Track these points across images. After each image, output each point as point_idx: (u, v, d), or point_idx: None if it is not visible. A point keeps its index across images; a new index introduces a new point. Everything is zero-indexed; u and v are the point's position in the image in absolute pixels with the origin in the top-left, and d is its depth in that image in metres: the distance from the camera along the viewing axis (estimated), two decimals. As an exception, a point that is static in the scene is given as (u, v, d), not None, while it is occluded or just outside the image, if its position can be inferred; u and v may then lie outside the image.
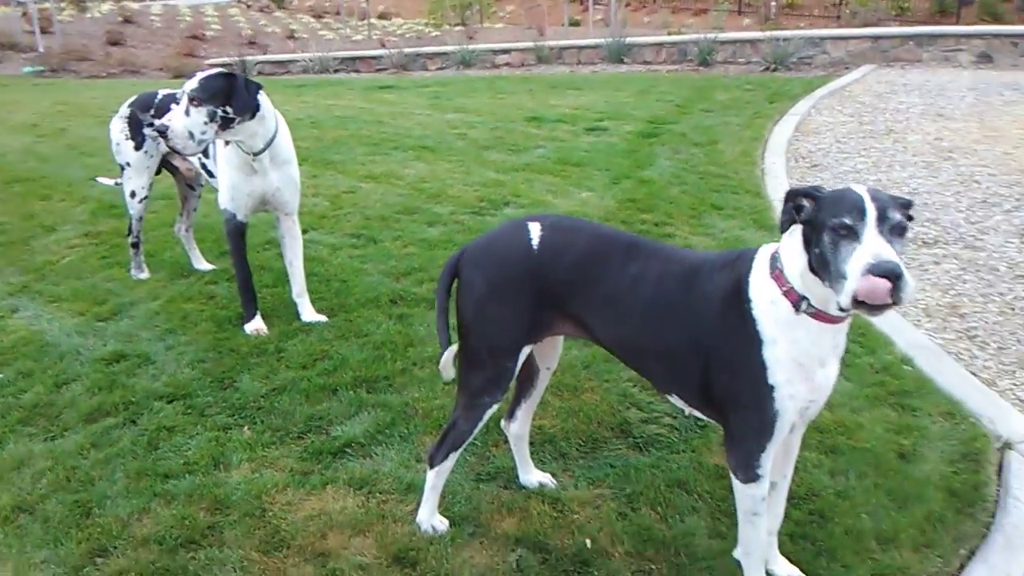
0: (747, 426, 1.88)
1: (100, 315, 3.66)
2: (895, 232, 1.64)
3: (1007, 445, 2.74)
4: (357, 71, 12.98)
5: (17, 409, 2.96)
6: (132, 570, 2.18)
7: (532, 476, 2.52)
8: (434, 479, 2.28)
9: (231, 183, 3.22)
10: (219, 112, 3.02)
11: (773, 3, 17.86)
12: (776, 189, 5.50)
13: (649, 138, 6.89)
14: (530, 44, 12.96)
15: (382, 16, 21.81)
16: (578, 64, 12.53)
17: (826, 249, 1.67)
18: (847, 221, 1.64)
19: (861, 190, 1.68)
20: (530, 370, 2.35)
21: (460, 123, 7.56)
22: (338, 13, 21.91)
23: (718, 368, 1.89)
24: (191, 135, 2.99)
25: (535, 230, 2.09)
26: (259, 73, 12.98)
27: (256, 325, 3.34)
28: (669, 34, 13.84)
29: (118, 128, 3.86)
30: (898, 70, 10.72)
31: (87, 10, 18.29)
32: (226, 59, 13.89)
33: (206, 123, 3.01)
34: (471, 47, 12.88)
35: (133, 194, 3.86)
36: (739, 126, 7.40)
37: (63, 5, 16.69)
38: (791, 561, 2.18)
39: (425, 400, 2.91)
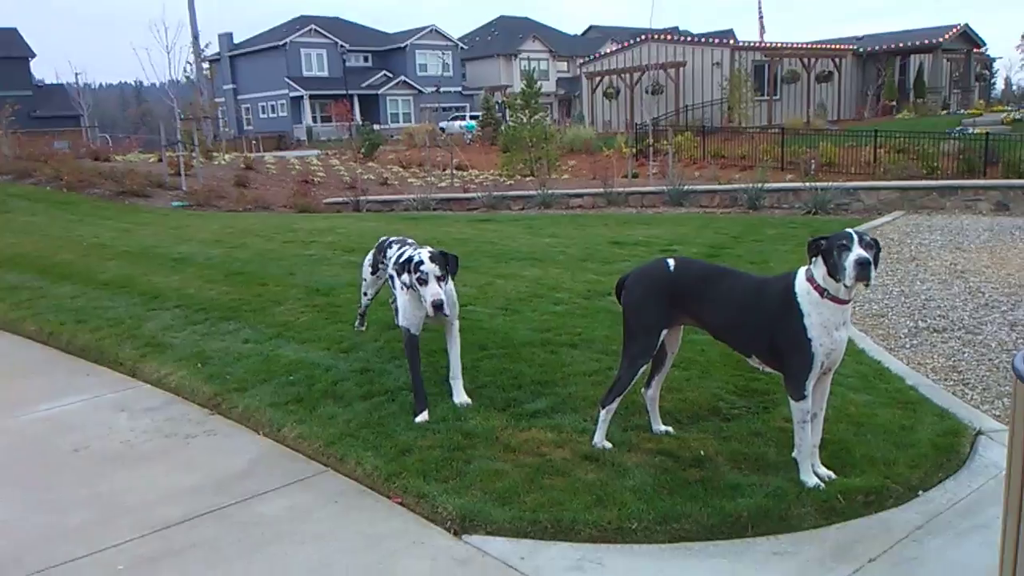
0: (796, 365, 3.38)
1: (342, 349, 5.30)
2: (869, 248, 3.21)
3: (979, 432, 4.13)
4: (451, 210, 15.13)
5: (314, 392, 4.56)
6: (428, 459, 3.68)
7: (659, 426, 3.99)
8: (604, 415, 3.78)
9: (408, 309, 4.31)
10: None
11: (812, 161, 19.90)
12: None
13: (711, 258, 8.52)
14: (600, 189, 15.04)
15: (459, 168, 24.52)
16: (642, 207, 14.48)
17: (835, 258, 3.24)
18: (845, 242, 3.22)
19: (850, 231, 3.27)
20: (662, 354, 3.89)
21: (556, 244, 9.34)
22: (420, 165, 24.78)
23: (779, 335, 3.41)
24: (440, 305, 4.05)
25: (671, 262, 3.71)
26: (368, 210, 15.21)
27: (423, 417, 4.14)
28: (720, 183, 15.84)
29: (368, 263, 5.37)
30: (924, 215, 12.37)
31: (214, 159, 21.28)
32: (340, 199, 16.25)
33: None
34: (550, 191, 15.00)
35: (366, 294, 5.47)
36: (785, 251, 9.01)
37: (195, 154, 19.55)
38: (827, 467, 3.59)
39: (581, 394, 4.43)
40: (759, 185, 13.83)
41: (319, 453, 3.94)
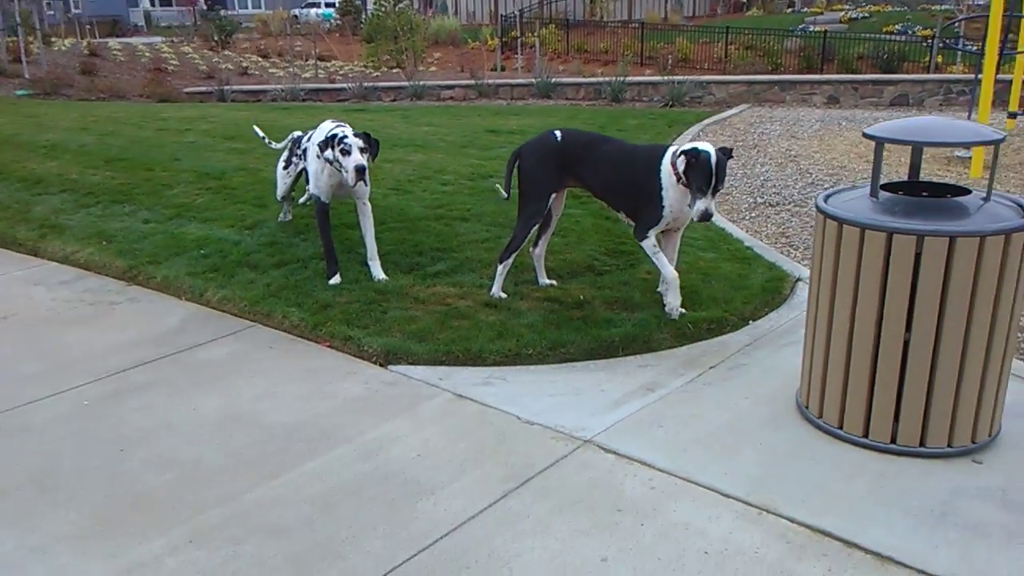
0: (646, 219, 4.03)
1: (246, 226, 5.63)
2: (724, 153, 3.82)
3: (799, 279, 5.07)
4: (320, 100, 15.01)
5: (228, 262, 4.92)
6: (348, 311, 4.20)
7: (544, 280, 4.67)
8: (501, 270, 4.40)
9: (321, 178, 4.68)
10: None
11: (670, 56, 20.85)
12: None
13: (581, 144, 9.23)
14: (471, 81, 15.33)
15: (322, 58, 23.85)
16: (512, 99, 14.94)
17: (693, 181, 3.77)
18: (704, 179, 3.74)
19: (711, 162, 3.74)
20: (548, 216, 4.52)
21: (435, 133, 9.74)
22: (280, 54, 23.89)
23: (639, 196, 4.08)
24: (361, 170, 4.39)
25: (558, 133, 4.29)
26: (233, 100, 14.84)
27: (336, 280, 4.60)
28: (584, 77, 16.49)
29: (282, 160, 5.46)
30: (767, 108, 13.54)
31: (53, 44, 19.69)
32: (202, 88, 15.69)
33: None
34: (421, 82, 15.14)
35: (283, 196, 5.56)
36: (646, 139, 9.83)
37: (31, 40, 18.07)
38: (682, 306, 4.40)
39: (476, 257, 5.03)
40: (621, 79, 14.57)
41: (245, 312, 4.38)
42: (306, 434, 3.19)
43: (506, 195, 4.53)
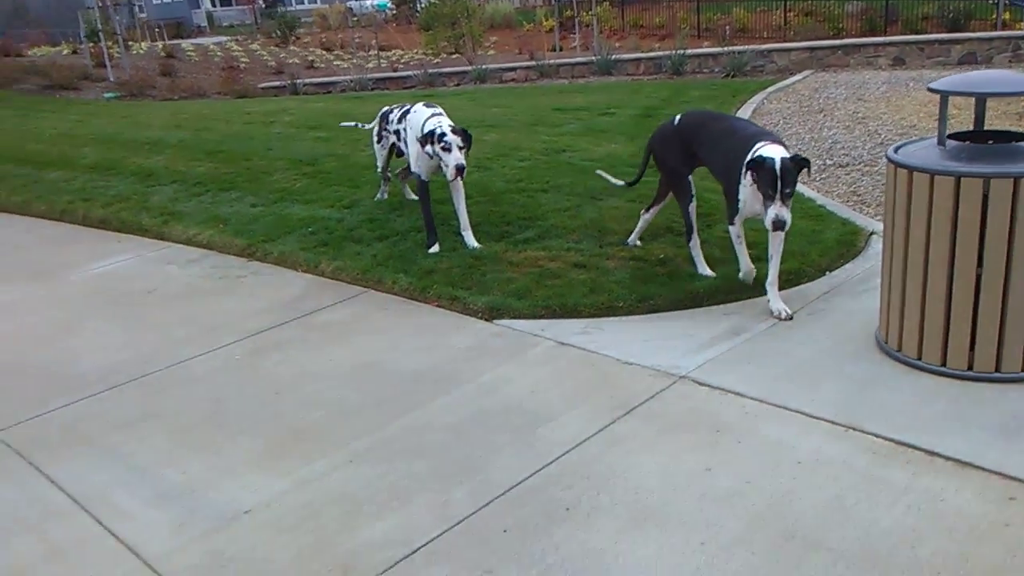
0: (729, 206, 4.20)
1: (344, 206, 6.10)
2: (786, 197, 3.76)
3: (872, 232, 5.29)
4: (388, 89, 15.51)
5: (335, 237, 5.39)
6: (451, 275, 4.61)
7: (635, 240, 4.96)
8: (693, 250, 4.64)
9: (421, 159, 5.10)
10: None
11: (728, 27, 20.74)
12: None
13: (647, 117, 9.47)
14: (532, 63, 15.64)
15: (383, 48, 24.42)
16: (572, 78, 15.19)
17: (760, 183, 3.83)
18: (770, 184, 3.74)
19: (776, 167, 3.72)
20: (664, 190, 4.79)
21: (505, 113, 10.10)
22: (342, 47, 24.56)
23: (728, 183, 4.28)
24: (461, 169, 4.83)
25: (677, 118, 4.60)
26: (305, 92, 15.46)
27: (436, 248, 5.00)
28: (642, 52, 16.61)
29: (375, 132, 5.87)
30: (831, 73, 13.51)
31: (131, 48, 20.70)
32: (275, 83, 16.37)
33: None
34: (484, 66, 15.51)
35: (378, 165, 5.99)
36: (712, 108, 10.01)
37: (112, 45, 19.04)
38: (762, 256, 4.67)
39: (560, 224, 5.39)
40: (681, 52, 14.69)
41: (357, 280, 4.84)
42: (431, 377, 3.61)
43: (620, 183, 4.90)
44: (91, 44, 18.18)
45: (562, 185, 6.31)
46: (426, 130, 4.94)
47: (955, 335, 3.29)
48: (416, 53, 23.41)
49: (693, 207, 4.57)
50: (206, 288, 4.96)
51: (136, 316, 4.60)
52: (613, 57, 15.20)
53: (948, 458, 2.77)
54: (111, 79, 16.30)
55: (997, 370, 3.26)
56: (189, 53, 21.17)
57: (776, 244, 4.07)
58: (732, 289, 4.33)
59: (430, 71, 15.68)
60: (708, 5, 23.71)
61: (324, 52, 23.80)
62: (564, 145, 7.82)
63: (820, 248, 4.85)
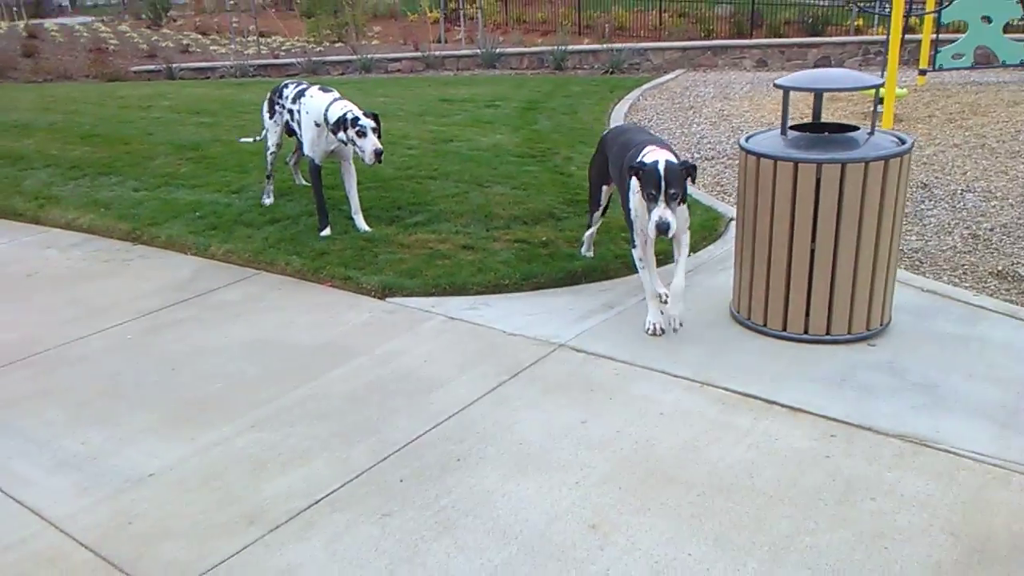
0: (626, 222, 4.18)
1: (232, 191, 6.13)
2: (670, 202, 3.54)
3: (731, 219, 5.82)
4: (269, 76, 15.27)
5: (224, 221, 5.44)
6: (343, 256, 4.78)
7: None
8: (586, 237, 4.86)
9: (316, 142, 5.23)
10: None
11: (607, 25, 21.53)
12: (618, 135, 8.59)
13: (530, 110, 9.84)
14: (418, 54, 15.77)
15: (263, 34, 23.86)
16: (458, 70, 15.43)
17: (644, 194, 3.61)
18: (652, 192, 3.51)
19: (660, 178, 3.50)
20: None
21: (391, 103, 10.24)
22: (219, 31, 23.83)
23: (623, 188, 4.53)
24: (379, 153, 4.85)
25: (609, 129, 4.86)
26: (182, 77, 15.01)
27: (327, 232, 5.17)
28: (525, 47, 17.06)
29: (265, 106, 5.86)
30: (701, 72, 14.34)
31: (-13, 25, 19.37)
32: (149, 67, 15.78)
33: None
34: (369, 56, 15.52)
35: (269, 148, 5.86)
36: (591, 104, 10.49)
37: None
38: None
39: (449, 209, 5.64)
40: (563, 48, 15.19)
41: (249, 262, 4.93)
42: (327, 351, 3.80)
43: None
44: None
45: (450, 172, 6.56)
46: (335, 116, 4.92)
47: (793, 304, 3.76)
48: (298, 40, 23.02)
49: (598, 215, 4.65)
50: (91, 271, 4.92)
51: (18, 299, 4.54)
52: (498, 51, 15.55)
53: (783, 405, 3.21)
54: (-34, 58, 15.29)
55: (828, 332, 3.76)
56: (53, 33, 20.03)
57: (677, 250, 3.89)
58: (607, 269, 4.72)
59: (313, 59, 15.54)
60: (589, 3, 24.50)
61: (200, 36, 23.03)
62: (451, 135, 8.07)
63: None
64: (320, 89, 5.32)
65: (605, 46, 15.40)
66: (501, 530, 2.55)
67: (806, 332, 3.78)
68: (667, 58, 15.09)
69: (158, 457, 2.99)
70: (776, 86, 3.80)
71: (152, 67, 15.70)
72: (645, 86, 12.47)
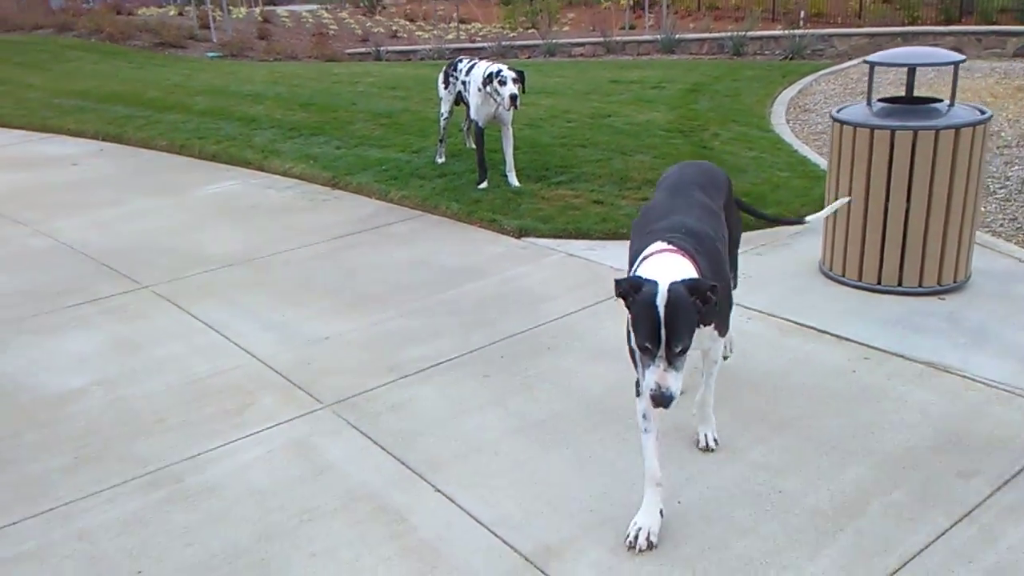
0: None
1: (413, 151, 7.25)
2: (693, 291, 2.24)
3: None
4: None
5: (403, 174, 6.54)
6: (493, 204, 5.71)
7: (643, 189, 5.96)
8: None
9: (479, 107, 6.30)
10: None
11: (802, 11, 21.13)
12: (776, 116, 8.94)
13: (693, 92, 10.34)
14: (600, 39, 16.53)
15: (463, 21, 25.56)
16: (637, 55, 16.03)
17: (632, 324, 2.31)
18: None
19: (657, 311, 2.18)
20: None
21: (564, 83, 11.11)
22: (426, 18, 25.83)
23: None
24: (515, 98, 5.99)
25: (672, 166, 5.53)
26: (388, 59, 16.72)
27: (484, 185, 6.13)
28: (711, 33, 17.30)
29: (441, 78, 7.11)
30: (886, 59, 14.01)
31: (232, 13, 22.36)
32: (360, 49, 17.68)
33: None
34: (554, 40, 16.48)
35: (442, 114, 7.14)
36: (757, 88, 10.80)
37: (214, 8, 20.68)
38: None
39: (591, 172, 6.41)
40: (742, 33, 15.36)
41: (418, 205, 5.98)
42: (466, 271, 4.74)
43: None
44: (196, 7, 19.83)
45: (599, 143, 7.33)
46: (487, 73, 5.94)
47: (868, 256, 4.22)
48: (494, 27, 24.47)
49: None
50: (298, 206, 6.19)
51: (244, 222, 5.86)
52: (677, 36, 15.97)
53: (833, 334, 3.75)
54: (214, 40, 17.87)
55: (899, 284, 4.18)
56: (283, 19, 22.72)
57: (705, 362, 2.89)
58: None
59: (503, 43, 16.72)
60: (785, -11, 24.07)
61: (407, 23, 25.08)
62: (610, 111, 8.81)
63: (804, 201, 5.75)
64: (485, 62, 6.27)
65: (787, 32, 15.38)
66: (567, 392, 3.35)
67: (879, 283, 4.23)
68: (853, 44, 14.84)
69: (332, 328, 4.05)
70: (865, 62, 4.25)
71: (363, 50, 17.56)
72: (821, 72, 12.48)
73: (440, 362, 3.66)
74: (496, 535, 2.57)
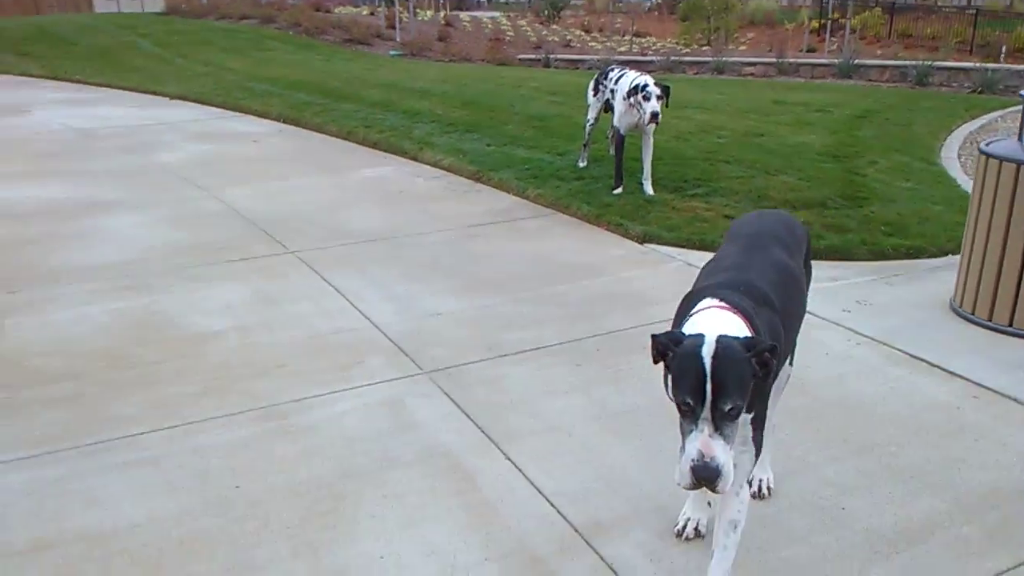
0: None
1: (558, 153, 7.48)
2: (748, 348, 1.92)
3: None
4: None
5: (543, 174, 6.77)
6: (623, 210, 5.81)
7: (779, 209, 5.87)
8: None
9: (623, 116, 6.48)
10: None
11: (1003, 45, 19.62)
12: (947, 150, 8.47)
13: (860, 118, 9.93)
14: (773, 59, 16.12)
15: (638, 34, 25.61)
16: (811, 77, 15.49)
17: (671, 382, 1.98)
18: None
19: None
20: None
21: (724, 100, 10.98)
22: (601, 30, 26.10)
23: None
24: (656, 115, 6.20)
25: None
26: (556, 67, 17.09)
27: (619, 191, 6.32)
28: (892, 59, 16.42)
29: (591, 86, 7.33)
30: (1093, 99, 12.79)
31: (418, 15, 23.64)
32: (531, 56, 18.19)
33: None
34: (724, 58, 16.25)
35: (589, 120, 7.36)
36: (933, 119, 10.21)
37: (401, 10, 21.94)
38: (891, 234, 5.40)
39: (729, 187, 6.37)
40: (928, 63, 14.50)
41: (551, 204, 6.19)
42: (583, 268, 4.89)
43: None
44: (386, 8, 21.10)
45: (745, 160, 7.24)
46: (633, 84, 6.05)
47: (1001, 295, 3.99)
48: (668, 42, 24.35)
49: None
50: (440, 195, 6.56)
51: (389, 204, 6.29)
52: (855, 62, 15.29)
53: (945, 369, 3.59)
54: (397, 39, 18.96)
55: (1033, 329, 3.93)
56: (464, 24, 23.73)
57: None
58: (848, 252, 5.16)
59: (672, 58, 16.67)
60: (990, 21, 22.37)
61: (582, 33, 25.45)
62: (764, 131, 8.65)
63: (950, 235, 5.47)
64: (633, 71, 6.38)
65: (978, 64, 14.36)
66: (651, 390, 3.41)
67: (1010, 324, 3.99)
68: (1054, 82, 13.66)
69: (446, 306, 4.32)
70: (1020, 95, 4.02)
71: (533, 56, 18.04)
72: (1011, 108, 11.58)
73: (538, 347, 3.84)
74: (553, 505, 2.71)
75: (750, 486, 2.68)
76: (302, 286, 4.61)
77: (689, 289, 2.42)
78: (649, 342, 2.01)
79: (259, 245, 5.30)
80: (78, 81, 12.93)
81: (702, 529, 2.56)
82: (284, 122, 9.61)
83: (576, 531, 2.59)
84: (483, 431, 3.15)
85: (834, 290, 4.58)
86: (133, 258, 5.05)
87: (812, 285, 4.62)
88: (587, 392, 3.43)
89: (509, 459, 2.96)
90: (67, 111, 10.30)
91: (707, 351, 1.87)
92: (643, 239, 5.41)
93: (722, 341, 1.90)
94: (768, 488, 2.80)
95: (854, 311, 4.30)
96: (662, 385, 2.10)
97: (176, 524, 2.63)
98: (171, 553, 2.50)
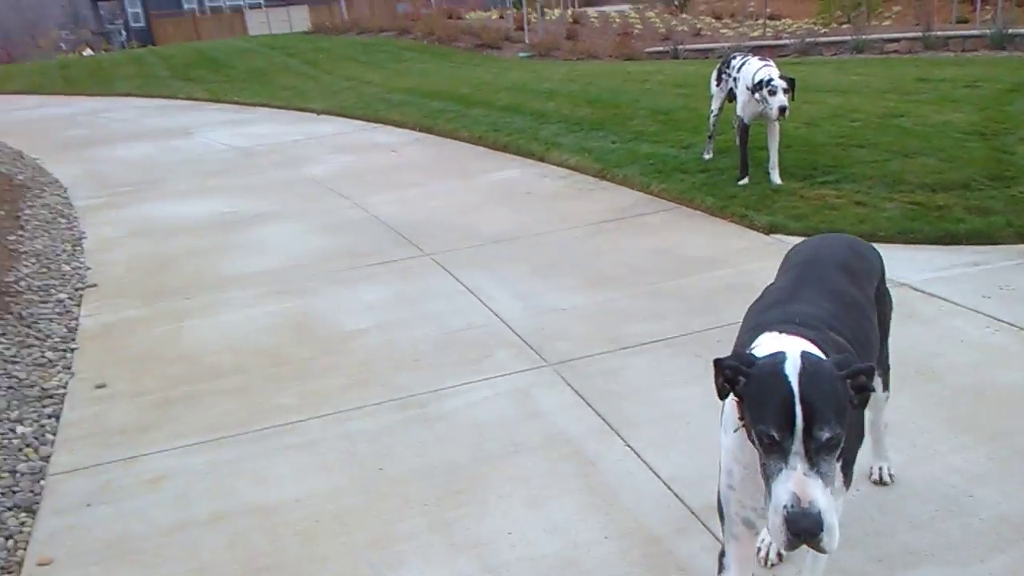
0: None
1: (683, 146, 7.49)
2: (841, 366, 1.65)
3: None
4: (760, 55, 16.26)
5: (667, 168, 6.82)
6: (748, 201, 5.79)
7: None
8: None
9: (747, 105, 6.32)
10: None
11: None
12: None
13: (1013, 92, 9.26)
14: (918, 34, 15.24)
15: (772, 17, 24.77)
16: (961, 51, 14.52)
17: (752, 424, 1.66)
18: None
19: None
20: None
21: (862, 81, 10.54)
22: (732, 15, 25.43)
23: None
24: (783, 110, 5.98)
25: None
26: (684, 57, 16.88)
27: (744, 181, 6.23)
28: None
29: (714, 75, 7.28)
30: None
31: (546, 15, 23.97)
32: (659, 48, 18.05)
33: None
34: (864, 36, 15.51)
35: (713, 110, 7.28)
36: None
37: (530, 11, 22.30)
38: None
39: (861, 173, 6.19)
40: (1100, 24, 13.25)
41: (675, 198, 6.24)
42: (704, 262, 4.94)
43: None
44: (515, 10, 21.52)
45: (880, 143, 6.98)
46: (757, 79, 5.96)
47: None
48: (804, 23, 23.43)
49: None
50: (566, 194, 6.75)
51: (517, 206, 6.55)
52: (1009, 31, 14.19)
53: (1092, 356, 3.42)
54: (526, 41, 19.32)
55: None
56: (592, 19, 23.79)
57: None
58: (993, 235, 4.94)
59: (807, 40, 16.08)
60: None
61: (713, 20, 24.89)
62: (904, 111, 8.27)
63: None
64: (757, 59, 6.32)
65: None
66: (773, 379, 3.47)
67: None
68: None
69: (569, 301, 4.51)
70: None
71: (661, 48, 17.89)
72: None
73: (658, 340, 3.95)
74: (670, 488, 2.85)
75: (869, 475, 2.77)
76: (436, 286, 4.94)
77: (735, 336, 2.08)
78: (712, 369, 1.69)
79: (397, 249, 5.69)
80: (236, 102, 14.08)
81: (784, 552, 2.39)
82: (419, 131, 10.11)
83: (693, 513, 2.71)
84: (603, 419, 3.31)
85: (974, 275, 4.42)
86: (288, 264, 5.56)
87: (949, 271, 4.51)
88: (705, 383, 3.49)
89: (628, 445, 3.12)
90: (228, 131, 11.28)
91: (791, 368, 1.57)
92: (769, 230, 5.39)
93: (809, 357, 1.61)
94: (889, 475, 2.79)
95: (995, 297, 4.13)
96: (720, 431, 1.82)
97: (329, 500, 2.96)
98: (326, 525, 2.84)
